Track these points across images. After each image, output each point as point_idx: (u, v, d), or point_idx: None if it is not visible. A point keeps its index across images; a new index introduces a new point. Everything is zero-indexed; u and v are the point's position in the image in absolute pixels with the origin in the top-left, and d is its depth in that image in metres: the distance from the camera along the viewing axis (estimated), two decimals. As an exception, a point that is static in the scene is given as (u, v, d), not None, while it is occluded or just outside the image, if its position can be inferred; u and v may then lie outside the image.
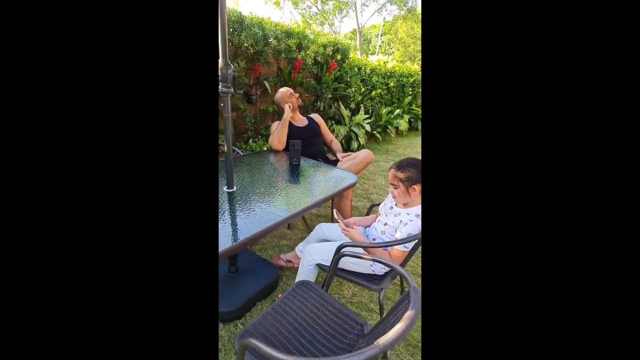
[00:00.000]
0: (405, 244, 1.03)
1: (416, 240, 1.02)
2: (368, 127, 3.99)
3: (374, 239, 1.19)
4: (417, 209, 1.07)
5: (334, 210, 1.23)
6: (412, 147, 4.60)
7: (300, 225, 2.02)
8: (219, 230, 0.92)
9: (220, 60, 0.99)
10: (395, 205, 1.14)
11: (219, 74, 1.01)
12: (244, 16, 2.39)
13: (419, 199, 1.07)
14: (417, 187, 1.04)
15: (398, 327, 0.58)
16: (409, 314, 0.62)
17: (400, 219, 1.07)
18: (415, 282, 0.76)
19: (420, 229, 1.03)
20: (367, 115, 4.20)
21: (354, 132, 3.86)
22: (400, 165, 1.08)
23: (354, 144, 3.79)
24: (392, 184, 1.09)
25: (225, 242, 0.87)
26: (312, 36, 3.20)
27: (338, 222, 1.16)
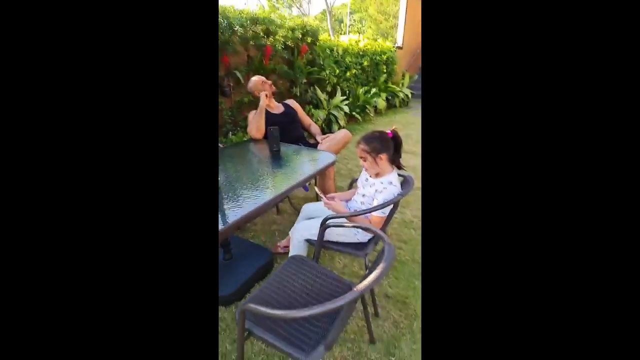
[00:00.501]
0: (382, 210, 1.12)
1: (392, 205, 1.12)
2: (347, 109, 4.03)
3: (354, 210, 1.28)
4: (389, 177, 1.16)
5: (316, 188, 1.31)
6: (392, 125, 4.69)
7: (289, 210, 2.09)
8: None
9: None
10: (370, 177, 1.23)
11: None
12: (206, 6, 2.34)
13: (388, 167, 1.17)
14: (383, 156, 1.13)
15: (372, 275, 0.67)
16: (382, 265, 0.71)
17: (375, 188, 1.16)
18: (389, 234, 0.85)
19: (394, 194, 1.13)
20: (345, 97, 4.23)
21: (333, 115, 3.89)
22: (365, 138, 1.17)
23: (335, 127, 3.83)
24: (361, 157, 1.18)
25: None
26: (279, 20, 3.15)
27: (321, 196, 1.23)
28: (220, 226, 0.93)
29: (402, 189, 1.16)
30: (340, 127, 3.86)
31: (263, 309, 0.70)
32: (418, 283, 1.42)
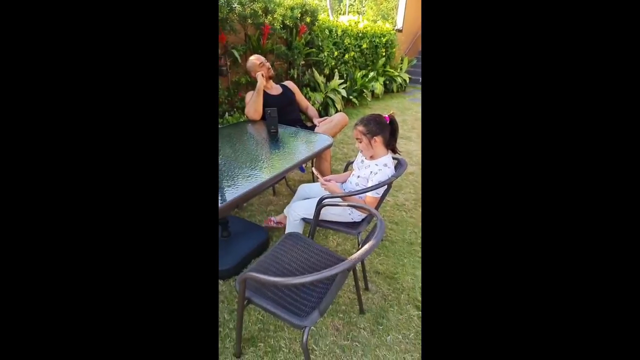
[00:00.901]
0: (376, 190, 1.17)
1: (385, 186, 1.17)
2: (344, 93, 4.01)
3: (349, 192, 1.33)
4: (384, 159, 1.20)
5: (313, 169, 1.35)
6: (389, 110, 4.69)
7: (285, 191, 2.14)
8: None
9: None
10: (365, 159, 1.27)
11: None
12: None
13: (382, 150, 1.22)
14: (378, 139, 1.18)
15: (364, 248, 0.73)
16: (373, 239, 0.77)
17: (370, 169, 1.21)
18: (382, 216, 0.91)
19: (389, 176, 1.18)
20: (342, 80, 4.19)
21: (330, 98, 3.87)
22: (362, 120, 1.20)
23: (332, 111, 3.82)
24: (357, 139, 1.22)
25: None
26: (277, -1, 3.07)
27: (317, 176, 1.28)
28: (219, 203, 0.98)
29: (395, 171, 1.21)
30: (337, 111, 3.85)
31: (264, 276, 0.76)
32: (406, 260, 1.50)
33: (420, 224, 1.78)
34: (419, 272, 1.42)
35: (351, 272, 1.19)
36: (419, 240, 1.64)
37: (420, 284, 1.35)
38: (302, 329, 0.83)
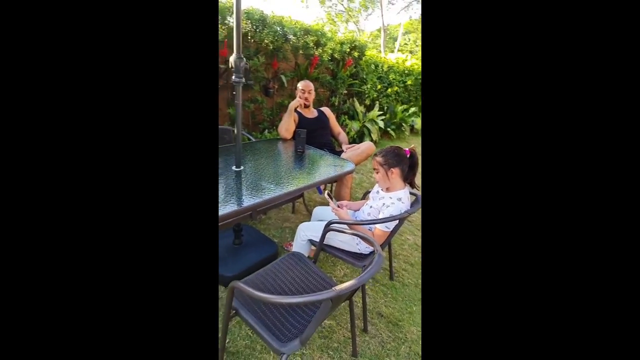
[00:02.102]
0: (386, 225, 1.12)
1: (397, 221, 1.12)
2: (382, 124, 4.03)
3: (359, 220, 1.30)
4: (399, 193, 1.16)
5: (326, 192, 1.35)
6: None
7: (303, 210, 2.16)
8: (227, 200, 1.07)
9: (234, 54, 1.13)
10: (381, 190, 1.24)
11: (232, 66, 1.15)
12: (265, 15, 2.54)
13: (399, 183, 1.18)
14: (395, 171, 1.15)
15: (351, 281, 0.69)
16: (363, 274, 0.73)
17: (384, 201, 1.17)
18: (382, 251, 0.86)
19: (401, 211, 1.13)
20: (382, 112, 4.24)
21: (367, 127, 3.92)
22: (381, 151, 1.19)
23: (366, 139, 3.86)
24: (374, 169, 1.20)
25: (230, 207, 1.01)
26: (329, 34, 3.30)
27: (329, 201, 1.28)
28: (236, 207, 1.01)
29: (411, 207, 1.16)
30: (372, 140, 3.87)
31: (248, 288, 0.76)
32: (416, 308, 1.38)
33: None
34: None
35: (348, 309, 1.13)
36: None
37: (425, 336, 1.22)
38: (279, 355, 0.79)
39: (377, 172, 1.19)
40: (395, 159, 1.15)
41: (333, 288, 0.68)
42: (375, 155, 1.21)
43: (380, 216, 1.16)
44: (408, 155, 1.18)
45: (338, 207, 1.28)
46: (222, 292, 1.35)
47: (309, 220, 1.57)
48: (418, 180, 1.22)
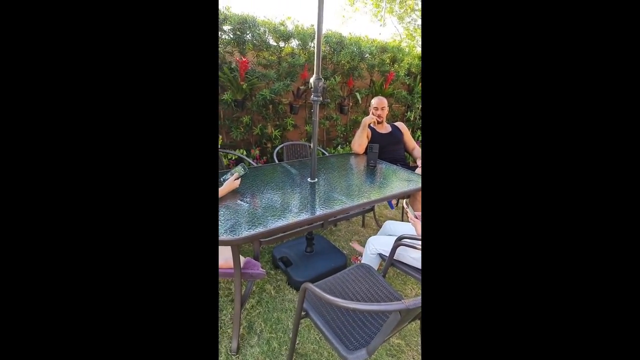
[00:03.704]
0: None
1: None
2: (464, 139, 3.69)
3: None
4: None
5: (405, 202, 1.31)
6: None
7: (373, 224, 2.13)
8: (301, 209, 1.17)
9: (314, 75, 1.26)
10: None
11: (312, 86, 1.28)
12: (343, 37, 2.72)
13: None
14: None
15: (420, 298, 0.67)
16: None
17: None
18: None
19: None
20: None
21: (446, 143, 3.65)
22: None
23: (446, 156, 3.58)
24: None
25: (304, 215, 1.10)
26: (407, 49, 3.28)
27: (407, 210, 1.24)
28: (309, 215, 1.10)
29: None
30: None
31: (318, 290, 0.81)
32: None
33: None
34: None
35: (419, 331, 1.06)
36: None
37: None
38: (345, 362, 0.80)
39: None
40: None
41: (402, 301, 0.67)
42: None
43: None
44: None
45: (416, 217, 1.24)
46: (293, 295, 1.45)
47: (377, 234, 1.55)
48: None
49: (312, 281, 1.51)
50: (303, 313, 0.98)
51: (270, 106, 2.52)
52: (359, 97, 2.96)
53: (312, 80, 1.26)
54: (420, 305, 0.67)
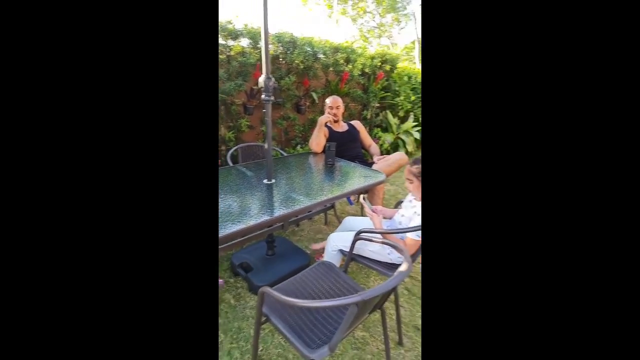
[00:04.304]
0: (417, 233, 1.08)
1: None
2: (417, 135, 3.93)
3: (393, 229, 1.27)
4: None
5: (362, 198, 1.34)
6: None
7: (335, 222, 2.16)
8: (259, 212, 1.13)
9: (263, 75, 1.23)
10: (414, 198, 1.21)
11: (262, 85, 1.24)
12: (295, 37, 2.71)
13: None
14: None
15: (376, 287, 0.68)
16: (388, 282, 0.71)
17: (415, 210, 1.14)
18: (414, 260, 0.83)
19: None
20: (416, 123, 4.14)
21: (401, 139, 3.85)
22: (415, 161, 1.16)
23: (401, 151, 3.77)
24: (407, 179, 1.17)
25: (262, 218, 1.06)
26: (360, 50, 3.38)
27: (364, 205, 1.27)
28: (268, 217, 1.06)
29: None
30: (407, 152, 3.77)
31: (275, 293, 0.79)
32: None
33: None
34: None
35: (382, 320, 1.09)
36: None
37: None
38: (308, 362, 0.79)
39: (411, 182, 1.17)
40: None
41: (358, 293, 0.68)
42: (409, 165, 1.19)
43: (412, 224, 1.12)
44: None
45: (373, 211, 1.27)
46: (253, 301, 1.40)
47: (336, 230, 1.57)
48: None
49: (274, 284, 1.48)
50: (263, 318, 0.95)
51: (222, 107, 2.42)
52: (315, 96, 2.97)
53: (261, 79, 1.22)
54: (377, 294, 0.69)
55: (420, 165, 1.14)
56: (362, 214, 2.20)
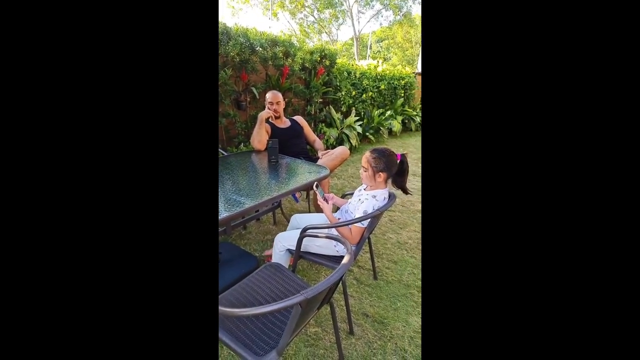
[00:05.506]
0: (362, 221, 1.12)
1: (369, 218, 1.12)
2: (359, 129, 4.09)
3: (339, 218, 1.29)
4: (376, 192, 1.17)
5: (315, 184, 1.32)
6: (405, 147, 4.68)
7: (284, 221, 2.12)
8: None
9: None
10: (364, 188, 1.25)
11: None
12: (228, 27, 2.55)
13: (382, 186, 1.18)
14: (383, 175, 1.16)
15: (319, 284, 0.68)
16: (330, 277, 0.72)
17: (359, 197, 1.17)
18: (359, 249, 0.85)
19: (374, 207, 1.13)
20: (359, 117, 4.31)
21: (345, 134, 3.97)
22: (374, 151, 1.19)
23: (346, 146, 3.89)
24: (362, 166, 1.20)
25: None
26: (298, 44, 3.35)
27: (316, 192, 1.26)
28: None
29: (383, 205, 1.17)
30: (351, 146, 3.91)
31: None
32: (400, 304, 1.36)
33: (420, 265, 1.65)
34: (412, 319, 1.28)
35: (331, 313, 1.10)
36: (418, 283, 1.50)
37: (410, 334, 1.21)
38: (257, 370, 0.75)
39: (365, 171, 1.19)
40: (386, 164, 1.15)
41: (301, 292, 0.66)
42: (368, 152, 1.19)
43: (356, 212, 1.15)
44: (399, 160, 1.18)
45: (324, 200, 1.27)
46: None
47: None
48: (410, 183, 1.22)
49: (221, 293, 1.39)
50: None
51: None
52: (255, 92, 2.86)
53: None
54: (320, 291, 0.68)
55: (376, 155, 1.17)
56: (310, 211, 2.22)
